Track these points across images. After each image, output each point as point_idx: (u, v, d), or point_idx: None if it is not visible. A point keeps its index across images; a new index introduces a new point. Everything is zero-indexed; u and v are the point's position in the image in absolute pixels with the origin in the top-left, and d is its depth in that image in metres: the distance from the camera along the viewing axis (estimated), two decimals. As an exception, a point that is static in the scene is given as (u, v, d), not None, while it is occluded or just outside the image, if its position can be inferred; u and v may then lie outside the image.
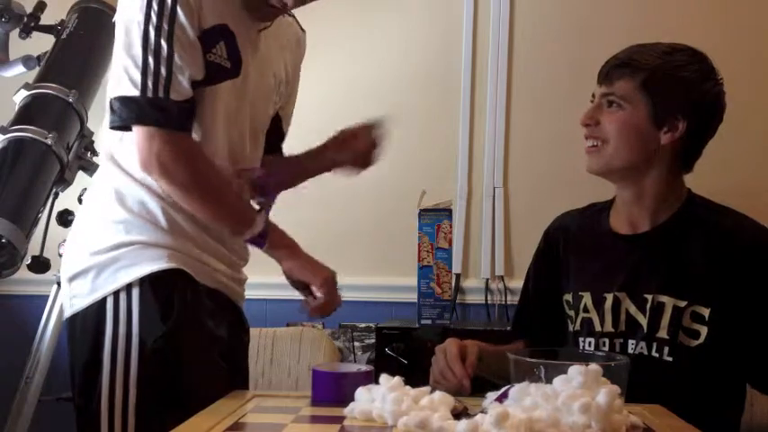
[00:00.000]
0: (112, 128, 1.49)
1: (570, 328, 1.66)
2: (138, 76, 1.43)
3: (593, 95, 1.63)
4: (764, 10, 2.70)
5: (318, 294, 1.58)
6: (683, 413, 1.29)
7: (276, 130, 1.78)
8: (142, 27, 1.44)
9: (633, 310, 1.57)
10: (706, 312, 1.53)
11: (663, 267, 1.57)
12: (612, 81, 1.59)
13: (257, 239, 1.56)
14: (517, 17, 2.78)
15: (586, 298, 1.63)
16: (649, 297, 1.56)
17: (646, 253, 1.60)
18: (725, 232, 1.57)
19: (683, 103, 1.56)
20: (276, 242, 1.60)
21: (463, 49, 2.78)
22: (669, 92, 1.56)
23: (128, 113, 1.45)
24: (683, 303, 1.54)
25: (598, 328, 1.61)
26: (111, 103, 1.48)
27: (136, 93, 1.43)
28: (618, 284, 1.59)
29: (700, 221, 1.59)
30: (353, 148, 1.75)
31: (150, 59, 1.43)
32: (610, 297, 1.59)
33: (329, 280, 1.60)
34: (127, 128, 1.48)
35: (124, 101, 1.45)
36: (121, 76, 1.45)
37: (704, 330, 1.53)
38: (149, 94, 1.43)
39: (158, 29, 1.44)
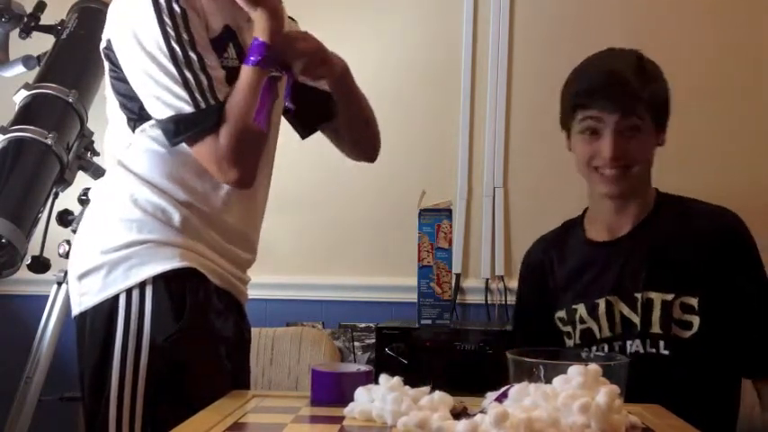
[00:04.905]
0: (176, 143, 1.48)
1: (569, 343, 1.67)
2: (184, 93, 1.43)
3: (599, 120, 1.59)
4: (762, 10, 2.70)
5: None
6: (682, 406, 1.29)
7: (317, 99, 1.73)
8: (164, 42, 1.43)
9: (627, 311, 1.59)
10: (694, 302, 1.54)
11: (646, 264, 1.60)
12: (635, 111, 1.58)
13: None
14: (517, 17, 2.78)
15: (581, 309, 1.64)
16: (639, 295, 1.58)
17: (628, 254, 1.62)
18: (699, 221, 1.61)
19: (667, 104, 1.63)
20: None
21: (463, 49, 2.78)
22: (661, 99, 1.62)
23: (190, 129, 1.45)
24: (670, 296, 1.56)
25: (598, 335, 1.61)
26: (163, 123, 1.46)
27: (190, 109, 1.43)
28: (608, 289, 1.61)
29: (673, 215, 1.63)
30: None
31: (187, 73, 1.43)
32: (602, 302, 1.61)
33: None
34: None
35: (179, 120, 1.44)
36: (164, 95, 1.44)
37: (696, 320, 1.54)
38: (202, 105, 1.44)
39: (179, 39, 1.44)
